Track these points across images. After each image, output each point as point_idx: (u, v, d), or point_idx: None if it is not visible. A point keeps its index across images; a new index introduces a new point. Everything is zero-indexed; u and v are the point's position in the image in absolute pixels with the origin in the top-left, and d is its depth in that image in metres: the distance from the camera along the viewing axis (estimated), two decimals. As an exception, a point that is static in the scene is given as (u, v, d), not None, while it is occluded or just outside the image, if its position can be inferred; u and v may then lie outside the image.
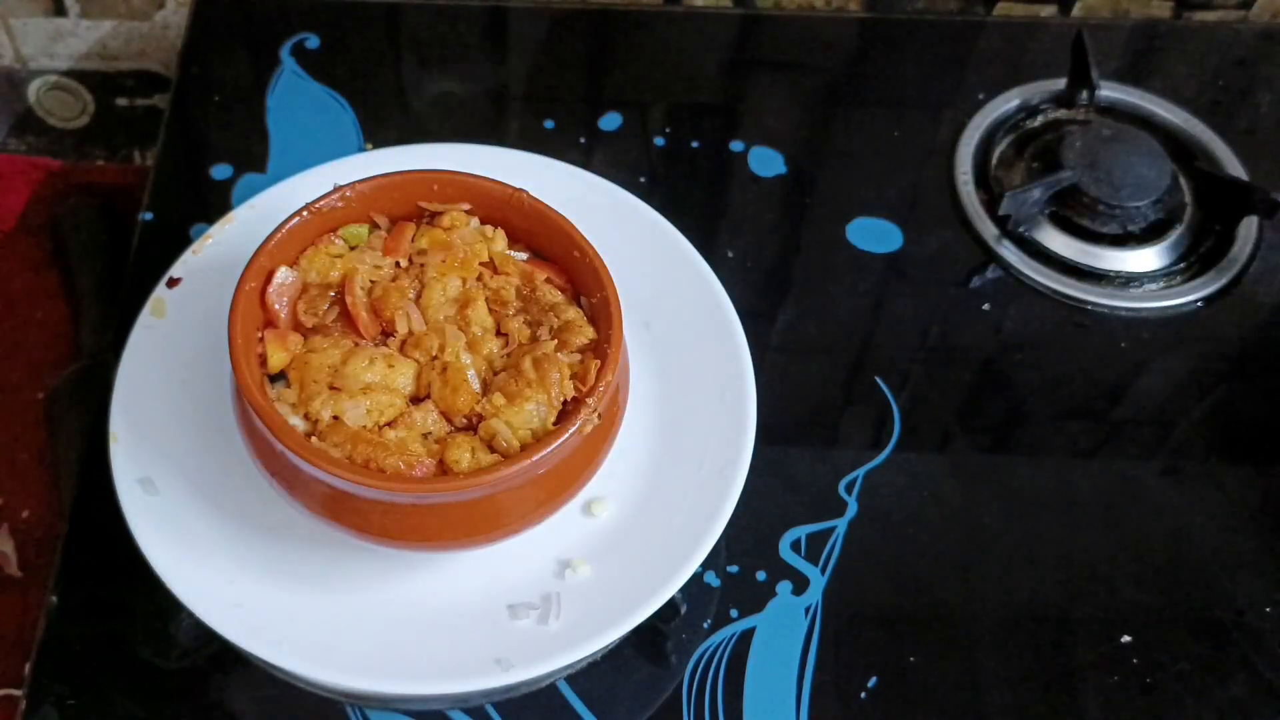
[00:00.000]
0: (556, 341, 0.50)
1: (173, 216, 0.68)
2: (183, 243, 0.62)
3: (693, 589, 0.56)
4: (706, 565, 0.55)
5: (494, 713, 0.54)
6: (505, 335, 0.51)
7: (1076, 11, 0.85)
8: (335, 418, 0.48)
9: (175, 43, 0.84)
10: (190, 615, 0.51)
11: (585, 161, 0.70)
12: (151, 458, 0.54)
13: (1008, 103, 0.77)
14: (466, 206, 0.54)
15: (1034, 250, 0.71)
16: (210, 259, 0.59)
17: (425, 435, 0.48)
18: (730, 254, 0.69)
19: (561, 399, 0.49)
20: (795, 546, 0.58)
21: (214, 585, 0.52)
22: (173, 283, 0.59)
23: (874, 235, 0.70)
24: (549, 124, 0.74)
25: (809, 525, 0.59)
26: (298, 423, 0.48)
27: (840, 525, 0.59)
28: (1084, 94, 0.77)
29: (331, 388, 0.48)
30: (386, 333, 0.51)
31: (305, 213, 0.52)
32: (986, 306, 0.68)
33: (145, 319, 0.58)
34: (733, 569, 0.58)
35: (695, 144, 0.74)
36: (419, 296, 0.51)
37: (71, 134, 0.93)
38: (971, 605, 0.58)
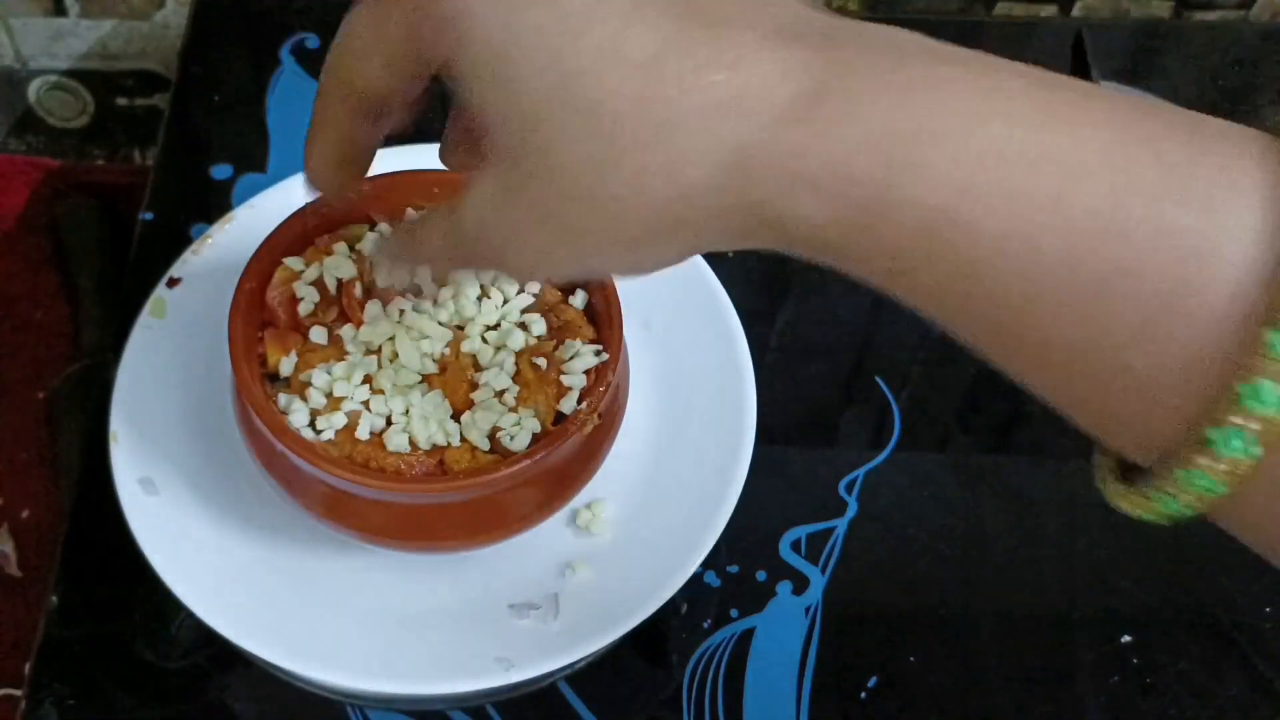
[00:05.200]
0: (555, 342, 0.50)
1: (173, 216, 0.68)
2: (183, 243, 0.62)
3: (693, 589, 0.56)
4: (706, 565, 0.55)
5: (495, 713, 0.53)
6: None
7: (1076, 11, 0.85)
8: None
9: (175, 43, 0.84)
10: (190, 615, 0.51)
11: (585, 161, 0.69)
12: (151, 458, 0.54)
13: (1008, 103, 0.77)
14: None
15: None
16: (210, 259, 0.59)
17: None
18: (730, 254, 0.69)
19: (559, 399, 0.49)
20: (795, 546, 0.58)
21: (214, 585, 0.52)
22: (173, 283, 0.59)
23: (874, 235, 0.70)
24: (549, 124, 0.74)
25: (809, 525, 0.59)
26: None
27: (840, 525, 0.59)
28: (1084, 94, 0.77)
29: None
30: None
31: (305, 212, 0.52)
32: (986, 306, 0.68)
33: (145, 319, 0.58)
34: (733, 569, 0.58)
35: (695, 144, 0.74)
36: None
37: (71, 134, 0.93)
38: (971, 605, 0.58)
